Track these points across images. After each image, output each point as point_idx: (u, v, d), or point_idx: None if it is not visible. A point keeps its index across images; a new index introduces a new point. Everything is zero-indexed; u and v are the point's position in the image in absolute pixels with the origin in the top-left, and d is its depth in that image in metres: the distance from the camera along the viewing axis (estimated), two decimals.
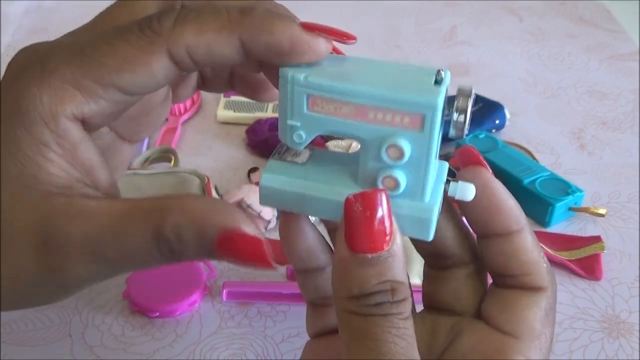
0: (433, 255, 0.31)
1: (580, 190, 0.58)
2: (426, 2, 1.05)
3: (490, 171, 0.28)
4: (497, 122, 0.69)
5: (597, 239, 0.55)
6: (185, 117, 0.72)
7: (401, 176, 0.25)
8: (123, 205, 0.25)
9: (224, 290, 0.49)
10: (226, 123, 0.72)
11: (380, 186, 0.26)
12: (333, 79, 0.25)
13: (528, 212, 0.58)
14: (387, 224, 0.24)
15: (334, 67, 0.26)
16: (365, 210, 0.24)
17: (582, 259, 0.53)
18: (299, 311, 0.49)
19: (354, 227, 0.24)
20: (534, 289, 0.28)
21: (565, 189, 0.58)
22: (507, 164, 0.60)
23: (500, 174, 0.60)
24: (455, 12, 1.02)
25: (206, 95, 0.76)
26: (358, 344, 0.25)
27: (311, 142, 0.27)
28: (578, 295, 0.51)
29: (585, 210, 0.58)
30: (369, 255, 0.24)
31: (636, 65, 0.86)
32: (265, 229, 0.56)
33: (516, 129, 0.71)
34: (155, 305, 0.48)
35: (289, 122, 0.26)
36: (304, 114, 0.25)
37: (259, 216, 0.55)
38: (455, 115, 0.25)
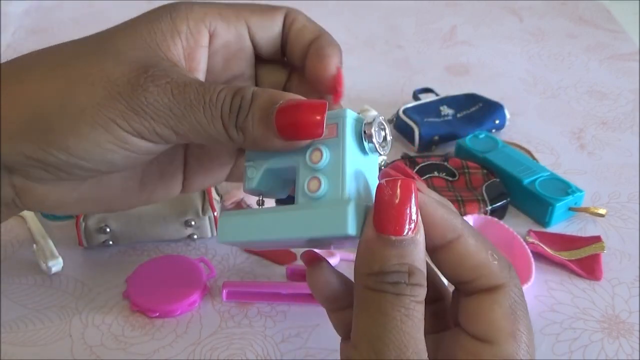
0: None
1: (580, 190, 0.58)
2: (426, 2, 1.05)
3: (416, 182, 0.29)
4: (497, 122, 0.69)
5: (597, 239, 0.55)
6: None
7: (322, 177, 0.28)
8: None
9: (224, 290, 0.49)
10: None
11: (307, 190, 0.29)
12: None
13: (528, 212, 0.58)
14: (413, 211, 0.26)
15: None
16: (393, 194, 0.26)
17: (582, 259, 0.53)
18: (299, 311, 0.49)
19: (381, 210, 0.26)
20: (491, 289, 0.28)
21: (565, 189, 0.58)
22: (507, 164, 0.60)
23: (500, 174, 0.60)
24: (455, 12, 1.02)
25: None
26: (366, 315, 0.26)
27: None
28: (578, 295, 0.51)
29: (585, 210, 0.58)
30: (393, 237, 0.26)
31: (636, 65, 0.86)
32: None
33: (516, 129, 0.71)
34: (155, 305, 0.48)
35: (246, 164, 0.32)
36: (254, 153, 0.31)
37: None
38: (367, 137, 0.29)
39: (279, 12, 0.34)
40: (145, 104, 0.29)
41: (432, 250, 0.29)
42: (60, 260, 0.52)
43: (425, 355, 0.26)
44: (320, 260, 0.32)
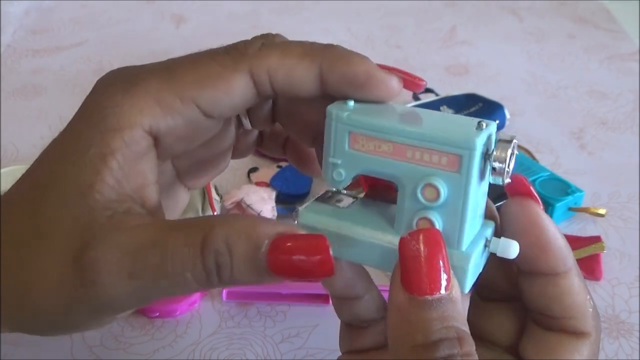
0: (484, 287, 0.30)
1: (580, 190, 0.58)
2: (426, 2, 1.05)
3: (541, 205, 0.27)
4: (497, 122, 0.69)
5: (597, 239, 0.55)
6: None
7: (436, 218, 0.24)
8: (165, 221, 0.25)
9: (224, 290, 0.49)
10: None
11: (415, 228, 0.25)
12: (375, 117, 0.25)
13: None
14: (444, 264, 0.23)
15: (382, 109, 0.27)
16: (423, 247, 0.23)
17: (582, 259, 0.53)
18: (299, 311, 0.49)
19: (411, 267, 0.23)
20: (577, 334, 0.27)
21: (565, 189, 0.58)
22: None
23: None
24: (455, 12, 1.02)
25: None
26: None
27: (357, 185, 0.27)
28: None
29: (585, 210, 0.58)
30: (430, 297, 0.23)
31: (636, 65, 0.86)
32: None
33: (516, 129, 0.71)
34: (155, 305, 0.48)
35: (331, 159, 0.26)
36: (345, 151, 0.26)
37: (259, 216, 0.55)
38: (494, 164, 0.24)
39: (237, 74, 0.27)
40: (103, 301, 0.24)
41: (532, 275, 0.27)
42: None
43: None
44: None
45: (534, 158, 0.66)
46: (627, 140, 0.70)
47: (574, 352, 0.26)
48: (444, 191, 0.24)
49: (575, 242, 0.55)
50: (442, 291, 0.23)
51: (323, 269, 0.23)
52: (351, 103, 0.26)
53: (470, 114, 0.70)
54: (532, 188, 0.27)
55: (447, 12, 1.02)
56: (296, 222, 0.27)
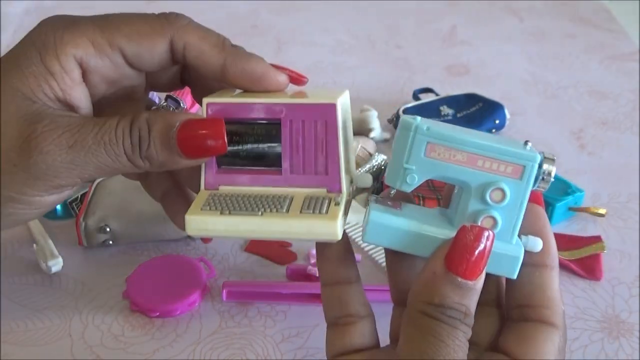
0: None
1: (580, 190, 0.58)
2: (426, 2, 1.05)
3: (543, 209, 0.32)
4: (497, 122, 0.69)
5: (597, 239, 0.55)
6: None
7: (499, 217, 0.29)
8: (103, 117, 0.31)
9: (224, 290, 0.49)
10: None
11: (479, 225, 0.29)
12: (449, 131, 0.30)
13: None
14: (484, 261, 0.28)
15: (448, 127, 0.31)
16: (475, 241, 0.28)
17: (582, 259, 0.53)
18: (299, 311, 0.49)
19: (459, 250, 0.28)
20: (550, 324, 0.30)
21: (565, 189, 0.58)
22: None
23: None
24: (455, 12, 1.02)
25: None
26: (421, 336, 0.28)
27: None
28: (578, 295, 0.50)
29: (585, 210, 0.58)
30: (459, 279, 0.28)
31: (636, 65, 0.86)
32: None
33: (516, 129, 0.71)
34: (155, 305, 0.48)
35: (405, 165, 0.30)
36: (421, 159, 0.30)
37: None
38: (544, 173, 0.29)
39: (160, 38, 0.32)
40: (45, 168, 0.30)
41: (527, 267, 0.30)
42: (60, 260, 0.52)
43: None
44: None
45: None
46: (627, 140, 0.70)
47: (548, 340, 0.29)
48: (508, 194, 0.29)
49: (575, 242, 0.55)
50: (474, 279, 0.28)
51: (217, 145, 0.30)
52: (418, 118, 0.30)
53: (470, 114, 0.70)
54: (541, 197, 0.32)
55: (447, 12, 1.02)
56: (364, 229, 0.31)
